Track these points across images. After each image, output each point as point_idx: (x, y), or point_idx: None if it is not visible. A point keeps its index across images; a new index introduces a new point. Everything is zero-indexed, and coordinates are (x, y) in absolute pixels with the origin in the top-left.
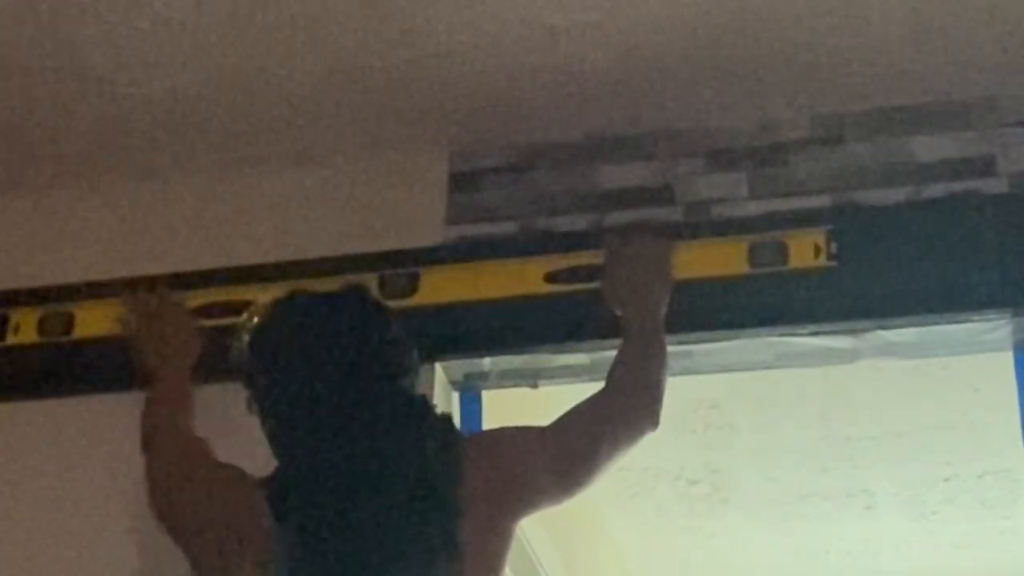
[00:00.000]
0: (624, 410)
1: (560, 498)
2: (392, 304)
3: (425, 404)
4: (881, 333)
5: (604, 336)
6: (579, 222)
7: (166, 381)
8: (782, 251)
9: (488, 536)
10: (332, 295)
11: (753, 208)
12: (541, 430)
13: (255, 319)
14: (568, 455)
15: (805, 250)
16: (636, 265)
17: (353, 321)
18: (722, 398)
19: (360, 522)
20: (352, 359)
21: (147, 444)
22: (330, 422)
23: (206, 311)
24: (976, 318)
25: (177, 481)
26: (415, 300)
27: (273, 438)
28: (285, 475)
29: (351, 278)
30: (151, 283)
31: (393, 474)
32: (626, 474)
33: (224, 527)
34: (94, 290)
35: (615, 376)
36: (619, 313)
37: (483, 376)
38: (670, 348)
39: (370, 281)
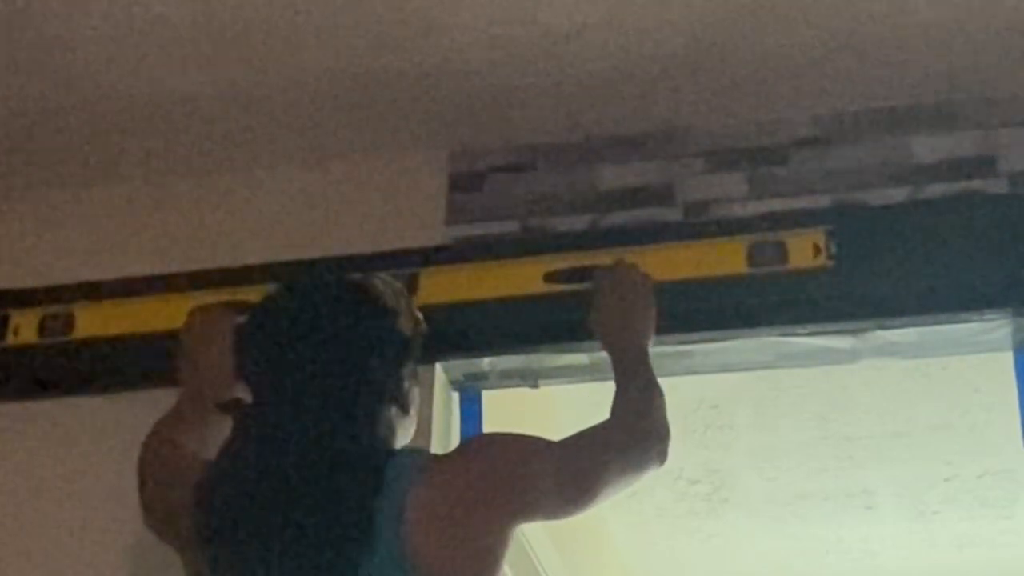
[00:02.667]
0: (634, 446)
1: (557, 514)
2: None
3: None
4: (881, 333)
5: None
6: (579, 222)
7: (187, 400)
8: (781, 251)
9: (482, 536)
10: (326, 287)
11: (753, 208)
12: (549, 443)
13: None
14: (573, 474)
15: (804, 250)
16: (621, 302)
17: (328, 319)
18: (722, 398)
19: (263, 540)
20: (313, 362)
21: (139, 462)
22: (273, 420)
23: None
24: (976, 318)
25: (159, 497)
26: (415, 300)
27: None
28: (215, 466)
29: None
30: (227, 303)
31: (311, 500)
32: None
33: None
34: (94, 290)
35: (622, 416)
36: (606, 348)
37: (483, 376)
38: (670, 348)
39: None
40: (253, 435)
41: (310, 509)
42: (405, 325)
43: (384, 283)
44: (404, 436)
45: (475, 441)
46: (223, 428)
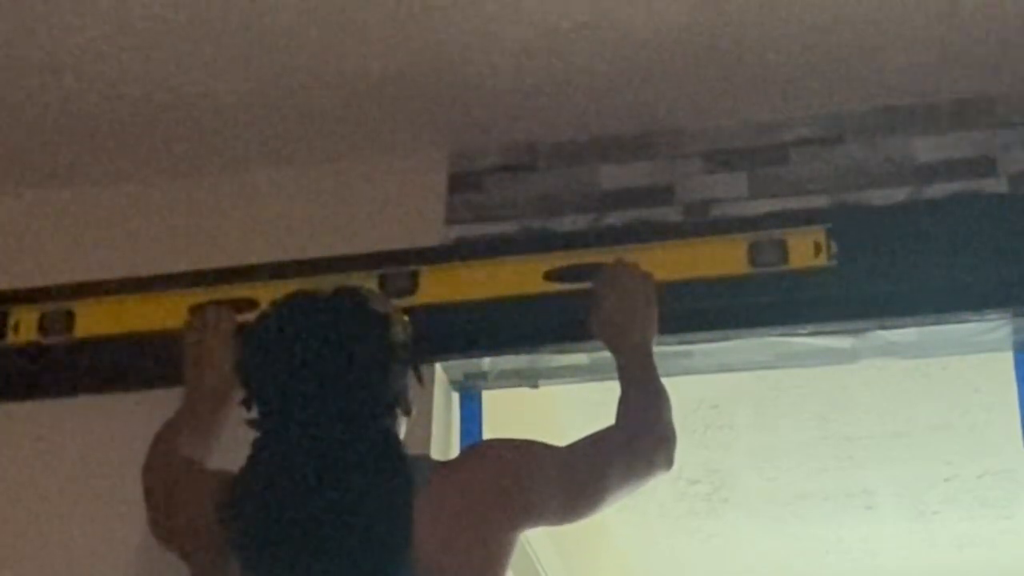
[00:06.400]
0: (640, 451)
1: (562, 519)
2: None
3: (386, 442)
4: (881, 333)
5: None
6: (579, 222)
7: (191, 403)
8: (782, 250)
9: (487, 542)
10: (323, 300)
11: (753, 208)
12: (553, 449)
13: None
14: (577, 481)
15: (805, 249)
16: (623, 301)
17: (334, 331)
18: (722, 398)
19: (293, 544)
20: (324, 373)
21: (144, 471)
22: (292, 435)
23: None
24: (976, 318)
25: (167, 507)
26: (415, 300)
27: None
28: (241, 481)
29: (352, 279)
30: (226, 304)
31: (339, 508)
32: None
33: (209, 538)
34: (94, 289)
35: (628, 420)
36: (609, 349)
37: (483, 376)
38: (670, 348)
39: (370, 280)
40: (276, 455)
41: (352, 518)
42: (398, 331)
43: (368, 291)
44: (400, 436)
45: (479, 448)
46: (226, 431)
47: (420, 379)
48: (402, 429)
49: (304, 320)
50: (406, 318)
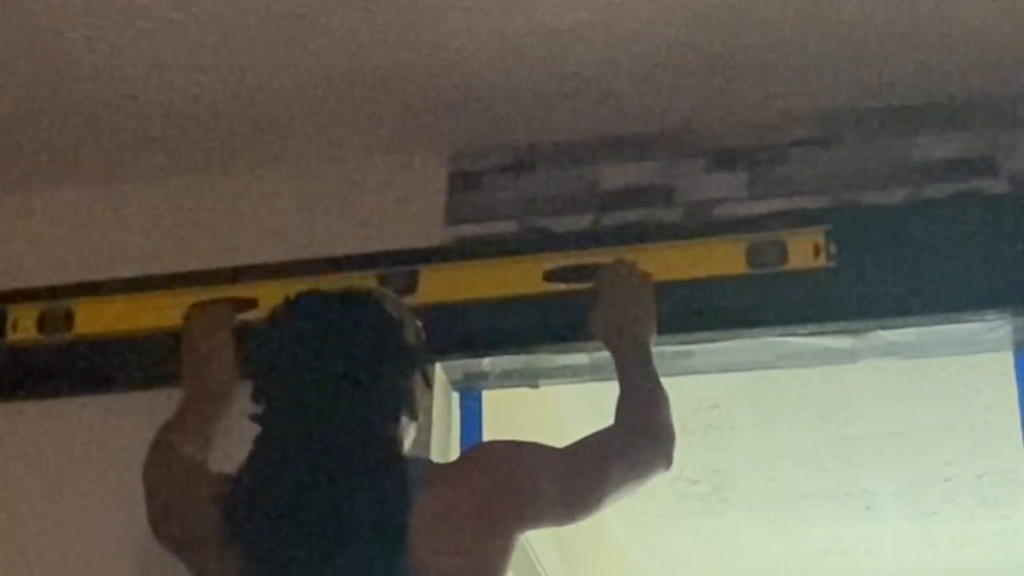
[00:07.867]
0: (639, 451)
1: (561, 520)
2: None
3: (387, 450)
4: (881, 333)
5: None
6: (579, 222)
7: (191, 402)
8: (781, 251)
9: (486, 545)
10: (335, 299)
11: (753, 208)
12: (552, 450)
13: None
14: (576, 483)
15: (804, 250)
16: (622, 301)
17: (343, 331)
18: (722, 398)
19: (291, 544)
20: (330, 372)
21: (144, 470)
22: (294, 433)
23: None
24: (976, 318)
25: (168, 507)
26: (414, 300)
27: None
28: (241, 477)
29: (352, 279)
30: (222, 302)
31: (335, 510)
32: None
33: (209, 538)
34: (94, 289)
35: (627, 420)
36: (608, 349)
37: (483, 376)
38: (670, 348)
39: (370, 280)
40: (276, 452)
41: (342, 522)
42: (409, 335)
43: (383, 294)
44: (408, 442)
45: (478, 450)
46: (224, 429)
47: (429, 383)
48: (408, 433)
49: (314, 318)
50: (419, 323)
